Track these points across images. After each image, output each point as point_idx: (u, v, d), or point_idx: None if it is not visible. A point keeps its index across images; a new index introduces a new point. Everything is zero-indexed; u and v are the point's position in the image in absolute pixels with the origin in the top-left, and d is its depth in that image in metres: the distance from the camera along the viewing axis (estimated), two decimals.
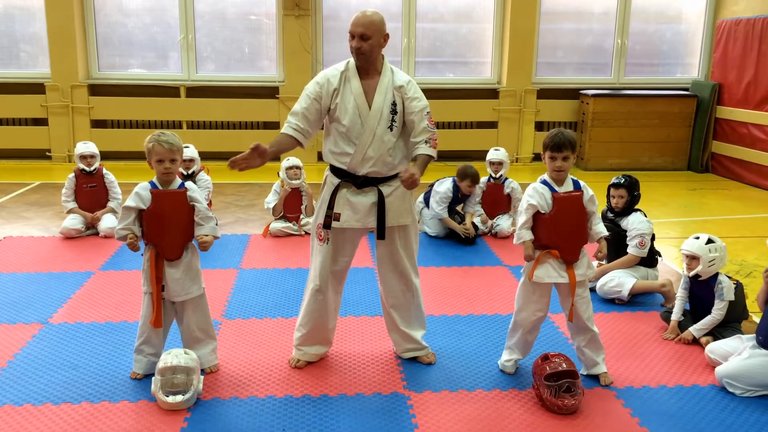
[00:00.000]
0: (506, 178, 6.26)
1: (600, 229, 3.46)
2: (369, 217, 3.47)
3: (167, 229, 3.36)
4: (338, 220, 3.46)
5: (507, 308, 4.49)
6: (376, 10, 3.42)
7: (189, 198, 3.40)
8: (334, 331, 3.74)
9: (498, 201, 6.25)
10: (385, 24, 3.43)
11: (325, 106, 3.42)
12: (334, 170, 3.51)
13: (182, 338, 3.57)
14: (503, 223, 6.16)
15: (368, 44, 3.34)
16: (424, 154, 3.40)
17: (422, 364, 3.72)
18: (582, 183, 3.48)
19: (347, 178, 3.45)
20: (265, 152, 3.25)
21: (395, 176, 3.45)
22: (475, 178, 5.99)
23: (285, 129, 3.44)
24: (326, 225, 3.47)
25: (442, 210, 5.99)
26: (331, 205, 3.46)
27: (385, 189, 3.46)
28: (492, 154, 6.27)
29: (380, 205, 3.45)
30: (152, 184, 3.38)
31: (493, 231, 6.17)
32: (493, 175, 6.23)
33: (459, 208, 6.27)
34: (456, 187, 6.01)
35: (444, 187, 6.02)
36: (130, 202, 3.33)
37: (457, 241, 5.98)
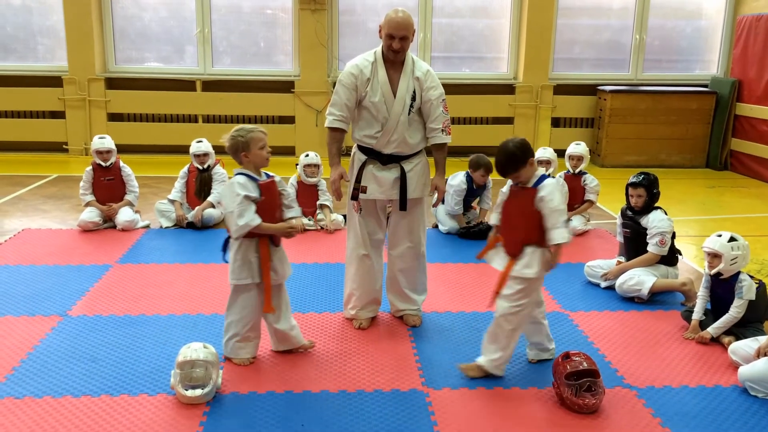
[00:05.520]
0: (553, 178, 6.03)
1: (553, 235, 3.19)
2: (392, 190, 3.87)
3: (276, 219, 3.48)
4: (365, 193, 3.87)
5: None
6: (404, 9, 3.73)
7: (278, 184, 3.55)
8: (381, 292, 4.13)
9: None
10: (413, 20, 3.77)
11: (360, 95, 3.79)
12: (361, 148, 3.91)
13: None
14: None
15: (407, 44, 3.72)
16: (441, 143, 3.88)
17: (436, 356, 3.71)
18: (547, 182, 3.26)
19: (373, 155, 3.85)
20: (343, 171, 3.84)
21: (416, 154, 3.90)
22: (488, 168, 5.84)
23: (332, 122, 3.83)
24: (353, 197, 3.89)
25: (457, 205, 5.93)
26: (358, 179, 3.87)
27: (407, 165, 3.87)
28: (541, 153, 6.07)
29: (402, 179, 3.84)
30: (248, 176, 3.40)
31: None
32: None
33: (475, 204, 6.20)
34: (470, 179, 5.94)
35: (457, 180, 5.94)
36: (244, 191, 3.32)
37: (467, 237, 5.88)
